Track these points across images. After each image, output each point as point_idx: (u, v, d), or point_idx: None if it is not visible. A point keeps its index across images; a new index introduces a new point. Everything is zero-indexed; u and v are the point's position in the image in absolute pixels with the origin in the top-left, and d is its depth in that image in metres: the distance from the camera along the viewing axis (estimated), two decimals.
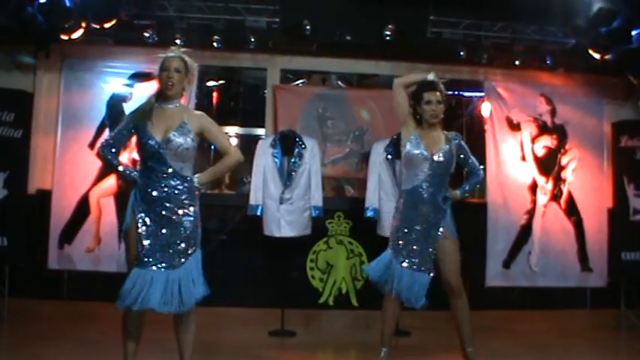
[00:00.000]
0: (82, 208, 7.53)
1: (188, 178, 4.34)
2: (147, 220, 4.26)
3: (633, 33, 6.91)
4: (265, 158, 7.08)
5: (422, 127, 5.13)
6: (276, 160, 7.05)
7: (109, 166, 4.61)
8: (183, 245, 4.33)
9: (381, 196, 7.13)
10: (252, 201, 7.06)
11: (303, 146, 7.12)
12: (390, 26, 7.35)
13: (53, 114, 7.63)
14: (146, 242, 4.24)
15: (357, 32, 7.57)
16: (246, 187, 7.86)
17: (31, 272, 7.27)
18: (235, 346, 6.41)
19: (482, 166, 8.03)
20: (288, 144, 7.12)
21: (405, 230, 5.08)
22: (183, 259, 4.33)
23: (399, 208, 5.18)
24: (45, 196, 7.52)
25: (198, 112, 4.58)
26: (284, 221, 7.01)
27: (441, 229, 5.11)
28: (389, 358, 5.23)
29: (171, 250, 4.28)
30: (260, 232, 7.07)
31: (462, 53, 7.55)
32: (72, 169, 7.55)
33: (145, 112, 4.34)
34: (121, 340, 4.54)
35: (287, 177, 7.02)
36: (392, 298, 5.11)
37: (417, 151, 5.06)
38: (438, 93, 5.07)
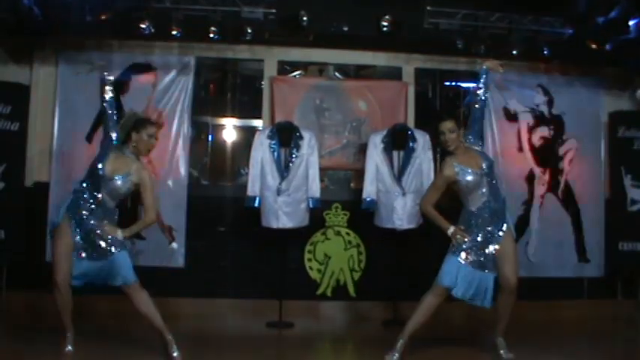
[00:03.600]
0: None
1: (110, 212, 5.43)
2: (78, 229, 5.33)
3: (630, 23, 6.89)
4: (262, 150, 7.08)
5: (455, 155, 5.41)
6: (274, 151, 7.05)
7: None
8: (107, 247, 5.32)
9: (378, 187, 7.14)
10: (249, 192, 7.06)
11: (300, 137, 7.12)
12: (387, 17, 7.31)
13: (50, 106, 7.61)
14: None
15: (354, 23, 7.53)
16: (244, 178, 7.85)
17: (28, 265, 7.26)
18: (233, 337, 6.43)
19: None
20: (285, 135, 7.12)
21: (472, 235, 5.39)
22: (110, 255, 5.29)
23: (468, 221, 5.45)
24: (42, 188, 7.51)
25: (142, 166, 5.44)
26: (282, 212, 7.01)
27: (503, 230, 5.42)
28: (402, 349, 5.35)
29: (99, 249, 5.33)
30: (258, 224, 7.07)
31: (459, 44, 7.53)
32: (69, 161, 7.52)
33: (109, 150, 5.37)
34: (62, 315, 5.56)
35: (284, 168, 7.02)
36: (438, 294, 5.36)
37: (470, 177, 5.33)
38: (447, 123, 5.38)
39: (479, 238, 5.36)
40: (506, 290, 5.45)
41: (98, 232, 5.28)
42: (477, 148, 5.52)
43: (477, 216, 5.40)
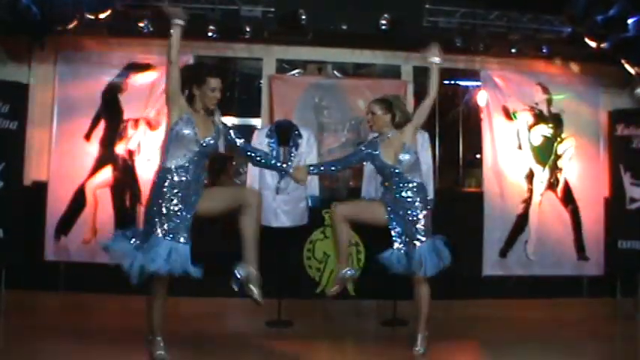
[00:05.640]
0: (78, 199, 7.52)
1: None
2: None
3: (629, 21, 6.89)
4: (261, 148, 7.06)
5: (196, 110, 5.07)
6: (273, 150, 7.03)
7: None
8: None
9: (377, 185, 7.13)
10: None
11: (299, 136, 7.11)
12: (385, 15, 7.33)
13: (48, 105, 7.62)
14: None
15: (353, 21, 7.55)
16: (243, 177, 7.85)
17: (27, 264, 7.25)
18: (232, 336, 6.43)
19: (478, 155, 8.09)
20: (284, 134, 7.11)
21: None
22: None
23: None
24: (41, 187, 7.51)
25: None
26: (280, 211, 7.01)
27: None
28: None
29: None
30: None
31: (457, 42, 7.53)
32: (68, 160, 7.54)
33: None
34: None
35: None
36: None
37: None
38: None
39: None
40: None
41: None
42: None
43: None
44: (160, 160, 5.03)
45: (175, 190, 4.88)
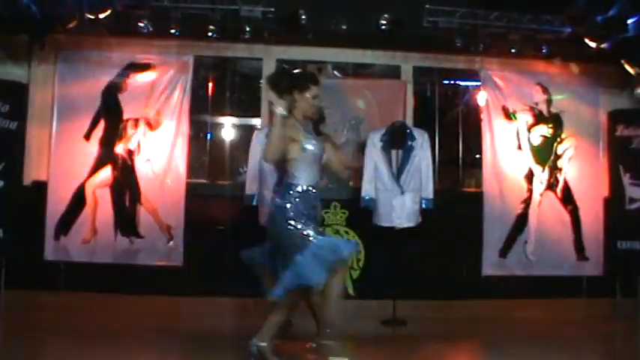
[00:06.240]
0: (78, 199, 7.52)
1: None
2: None
3: (629, 22, 6.89)
4: (261, 148, 7.03)
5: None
6: None
7: None
8: None
9: (377, 185, 7.14)
10: (247, 191, 7.03)
11: None
12: (386, 15, 7.34)
13: (48, 105, 7.62)
14: None
15: (353, 21, 7.56)
16: (242, 177, 7.84)
17: (27, 263, 7.25)
18: (232, 336, 6.42)
19: (477, 155, 8.09)
20: None
21: None
22: None
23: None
24: (41, 187, 7.51)
25: None
26: None
27: None
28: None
29: None
30: (256, 222, 7.05)
31: (457, 42, 7.54)
32: (67, 160, 7.55)
33: None
34: None
35: None
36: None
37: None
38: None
39: None
40: None
41: None
42: None
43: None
44: (291, 181, 4.96)
45: (308, 207, 4.87)
